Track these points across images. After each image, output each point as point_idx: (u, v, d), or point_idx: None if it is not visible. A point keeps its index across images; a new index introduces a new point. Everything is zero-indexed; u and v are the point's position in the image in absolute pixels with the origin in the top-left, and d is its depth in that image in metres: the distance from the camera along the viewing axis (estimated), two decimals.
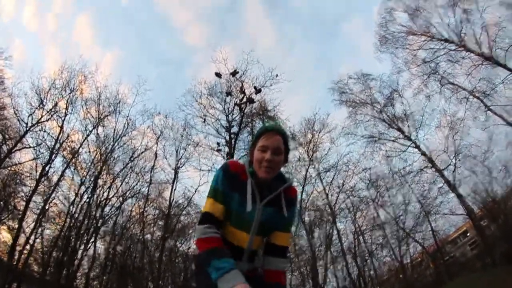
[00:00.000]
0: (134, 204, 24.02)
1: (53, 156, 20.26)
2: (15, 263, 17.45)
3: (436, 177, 21.85)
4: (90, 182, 21.35)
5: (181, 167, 24.53)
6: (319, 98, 51.07)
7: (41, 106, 20.54)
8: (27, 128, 19.70)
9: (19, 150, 19.71)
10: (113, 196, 22.48)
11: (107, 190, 22.32)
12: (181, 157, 24.82)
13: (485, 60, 19.36)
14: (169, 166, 24.68)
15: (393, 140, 24.20)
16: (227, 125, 23.41)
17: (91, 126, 22.48)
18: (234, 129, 23.29)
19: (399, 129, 23.94)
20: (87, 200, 20.95)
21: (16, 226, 18.40)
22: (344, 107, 25.84)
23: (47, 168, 19.89)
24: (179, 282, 23.43)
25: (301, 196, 24.32)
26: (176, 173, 24.11)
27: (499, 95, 19.29)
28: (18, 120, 19.84)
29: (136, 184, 23.71)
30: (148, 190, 23.95)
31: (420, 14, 21.77)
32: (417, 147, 22.89)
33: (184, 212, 24.80)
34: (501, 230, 18.50)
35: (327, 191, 25.03)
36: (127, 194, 23.14)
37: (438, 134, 23.62)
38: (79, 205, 20.81)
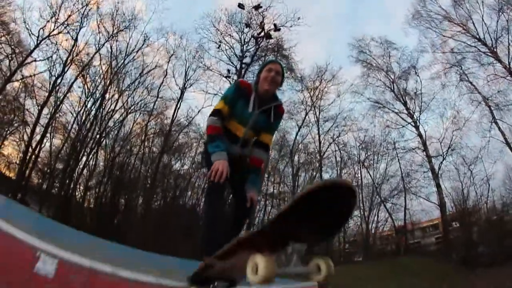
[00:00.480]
0: (137, 118, 24.65)
1: (65, 68, 20.55)
2: (20, 175, 18.60)
3: (424, 162, 23.04)
4: (99, 94, 21.92)
5: (189, 87, 24.90)
6: (335, 52, 49.09)
7: (53, 19, 20.26)
8: (38, 42, 19.60)
9: (29, 63, 19.78)
10: (119, 108, 23.09)
11: (114, 103, 22.81)
12: (190, 78, 25.04)
13: (509, 75, 19.36)
14: (176, 85, 25.00)
15: (396, 113, 24.80)
16: (241, 54, 23.61)
17: (104, 40, 22.30)
18: (247, 60, 23.60)
19: (405, 104, 24.41)
20: (94, 112, 21.60)
21: (24, 138, 19.35)
22: (359, 66, 26.00)
23: (58, 80, 20.34)
24: (168, 197, 24.57)
25: (296, 136, 25.42)
26: (182, 93, 24.56)
27: (510, 113, 19.58)
28: (29, 33, 19.65)
29: (142, 100, 24.24)
30: (153, 105, 24.51)
31: (463, 4, 20.99)
32: (416, 127, 23.65)
33: (184, 130, 25.44)
34: (465, 236, 20.28)
35: (321, 139, 25.81)
36: (132, 108, 23.72)
37: (439, 123, 24.48)
38: (85, 117, 21.55)
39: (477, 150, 21.35)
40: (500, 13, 19.46)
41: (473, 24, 20.66)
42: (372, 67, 25.31)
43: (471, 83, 21.13)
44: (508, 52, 19.34)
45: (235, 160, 3.14)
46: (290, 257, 1.61)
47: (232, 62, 23.67)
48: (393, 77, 24.84)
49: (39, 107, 19.59)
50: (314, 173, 25.69)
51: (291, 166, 25.35)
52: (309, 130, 26.10)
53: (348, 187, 1.52)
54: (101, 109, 21.76)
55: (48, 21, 20.02)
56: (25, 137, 19.84)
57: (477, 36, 20.49)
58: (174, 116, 24.17)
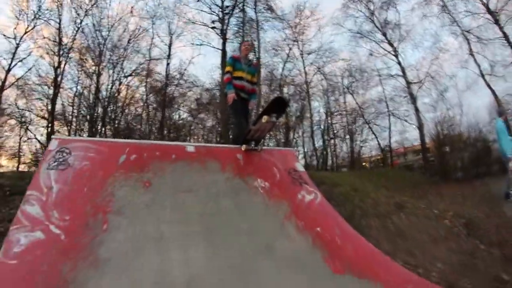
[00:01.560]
0: (133, 82, 26.20)
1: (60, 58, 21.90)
2: None
3: (404, 87, 25.75)
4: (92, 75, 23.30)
5: (176, 41, 26.62)
6: None
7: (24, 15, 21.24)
8: (18, 42, 21.01)
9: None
10: (115, 80, 24.50)
11: (110, 75, 24.19)
12: (174, 32, 26.45)
13: (487, 13, 21.10)
14: (163, 43, 26.46)
15: (376, 42, 27.12)
16: (221, 3, 24.84)
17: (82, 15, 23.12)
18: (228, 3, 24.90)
19: (384, 34, 26.51)
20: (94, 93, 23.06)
21: None
22: None
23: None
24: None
25: (282, 71, 27.67)
26: (170, 48, 26.12)
27: (488, 49, 21.53)
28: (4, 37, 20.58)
29: (134, 66, 25.56)
30: (148, 65, 26.15)
31: None
32: (396, 55, 26.02)
33: (180, 82, 27.11)
34: (440, 155, 23.91)
35: (306, 71, 28.21)
36: (126, 73, 25.14)
37: (418, 52, 27.07)
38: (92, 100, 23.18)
39: (454, 79, 24.19)
40: None
41: None
42: None
43: (451, 15, 23.03)
44: None
45: (244, 86, 6.26)
46: (271, 117, 4.72)
47: (213, 12, 25.05)
48: (373, 8, 26.72)
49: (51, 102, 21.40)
50: (304, 102, 28.19)
51: None
52: (294, 64, 28.17)
53: (283, 98, 5.19)
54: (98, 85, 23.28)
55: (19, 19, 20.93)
56: None
57: None
58: (167, 71, 25.93)
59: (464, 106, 24.01)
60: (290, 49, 27.83)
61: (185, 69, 26.72)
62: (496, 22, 20.94)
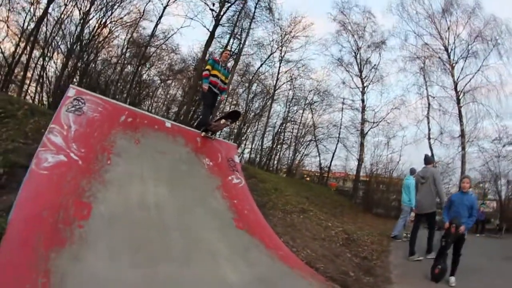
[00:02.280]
0: (118, 31, 25.72)
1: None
2: None
3: (359, 122, 28.40)
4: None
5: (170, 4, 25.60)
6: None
7: None
8: None
9: None
10: (102, 23, 23.90)
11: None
12: None
13: (453, 90, 24.43)
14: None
15: (351, 74, 29.45)
16: None
17: None
18: None
19: (361, 72, 28.98)
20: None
21: None
22: (335, 24, 30.13)
23: None
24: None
25: (258, 68, 29.43)
26: (164, 10, 25.26)
27: (444, 118, 25.05)
28: None
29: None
30: (139, 20, 25.64)
31: (450, 15, 24.91)
32: (363, 93, 28.69)
33: (158, 44, 27.21)
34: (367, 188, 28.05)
35: (279, 77, 30.07)
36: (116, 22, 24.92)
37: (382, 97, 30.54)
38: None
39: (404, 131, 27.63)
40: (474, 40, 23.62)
41: (447, 34, 24.73)
42: (346, 29, 29.04)
43: (424, 78, 26.04)
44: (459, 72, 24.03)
45: (218, 83, 7.94)
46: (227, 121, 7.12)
47: None
48: (361, 45, 28.94)
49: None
50: (267, 103, 30.11)
51: (247, 93, 29.37)
52: (270, 66, 29.94)
53: (238, 112, 7.65)
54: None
55: None
56: None
57: (446, 46, 24.71)
58: (154, 31, 25.97)
59: (403, 156, 27.16)
60: (272, 53, 29.44)
61: (171, 35, 26.96)
62: (458, 101, 23.84)
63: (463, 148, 23.36)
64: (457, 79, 24.16)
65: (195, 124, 9.11)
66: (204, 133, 7.44)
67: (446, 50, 24.87)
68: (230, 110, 7.75)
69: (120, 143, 5.44)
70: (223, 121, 7.37)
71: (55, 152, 4.43)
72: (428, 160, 8.95)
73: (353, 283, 5.99)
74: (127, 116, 5.97)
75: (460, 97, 23.93)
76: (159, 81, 29.44)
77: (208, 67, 8.10)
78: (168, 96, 30.41)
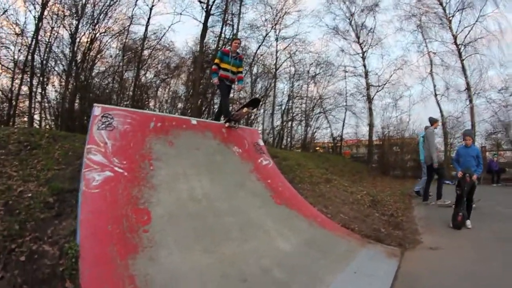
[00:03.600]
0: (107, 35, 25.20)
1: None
2: None
3: (364, 88, 28.69)
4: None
5: (156, 4, 25.67)
6: None
7: None
8: None
9: None
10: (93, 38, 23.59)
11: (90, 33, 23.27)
12: None
13: (454, 44, 24.24)
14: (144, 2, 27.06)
15: (348, 42, 29.44)
16: None
17: None
18: None
19: (358, 37, 28.95)
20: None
21: None
22: None
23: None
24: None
25: (256, 51, 29.25)
26: (150, 11, 25.36)
27: (447, 73, 25.01)
28: None
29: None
30: (129, 26, 25.37)
31: None
32: (363, 58, 28.71)
33: (152, 46, 27.11)
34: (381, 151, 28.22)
35: (278, 55, 30.08)
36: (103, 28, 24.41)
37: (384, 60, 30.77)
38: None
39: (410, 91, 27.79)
40: None
41: None
42: None
43: (423, 35, 25.88)
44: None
45: (229, 76, 8.37)
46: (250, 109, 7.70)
47: None
48: (354, 10, 28.77)
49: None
50: (272, 83, 30.14)
51: (250, 76, 29.15)
52: (268, 47, 29.89)
53: (258, 99, 8.33)
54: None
55: None
56: None
57: (440, 0, 24.51)
58: (145, 34, 25.88)
59: (412, 115, 27.49)
60: (268, 33, 29.46)
61: (163, 35, 27.01)
62: (459, 54, 23.80)
63: (471, 101, 23.40)
64: (456, 32, 24.02)
65: (214, 116, 9.57)
66: (228, 123, 7.94)
67: (441, 4, 24.66)
68: (251, 98, 8.01)
69: (156, 148, 5.83)
70: (245, 109, 7.82)
71: (99, 170, 4.67)
72: (430, 121, 10.85)
73: (385, 237, 6.67)
74: (155, 122, 6.34)
75: (461, 50, 23.83)
76: (158, 81, 29.33)
77: (216, 61, 8.41)
78: (170, 93, 30.32)
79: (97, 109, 5.60)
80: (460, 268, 5.02)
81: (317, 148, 32.40)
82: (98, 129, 5.32)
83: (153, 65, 28.32)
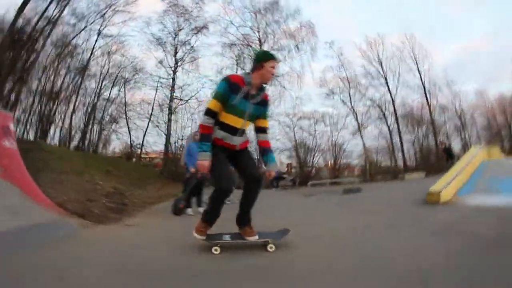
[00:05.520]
0: None
1: None
2: None
3: None
4: None
5: None
6: None
7: None
8: None
9: None
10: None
11: None
12: None
13: None
14: None
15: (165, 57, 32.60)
16: None
17: None
18: None
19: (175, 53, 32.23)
20: None
21: None
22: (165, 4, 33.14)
23: None
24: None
25: (71, 40, 29.56)
26: None
27: None
28: None
29: None
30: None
31: None
32: (173, 79, 32.67)
33: None
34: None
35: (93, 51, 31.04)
36: None
37: None
38: None
39: None
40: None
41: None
42: (174, 10, 33.89)
43: (238, 65, 33.28)
44: None
45: (235, 146, 4.06)
46: None
47: None
48: (183, 26, 33.14)
49: None
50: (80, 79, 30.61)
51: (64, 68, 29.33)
52: (88, 39, 30.80)
53: None
54: None
55: None
56: None
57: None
58: None
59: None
60: (90, 23, 30.34)
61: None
62: None
63: None
64: None
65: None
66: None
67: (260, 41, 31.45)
68: None
69: None
70: None
71: None
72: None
73: (93, 216, 7.31)
74: None
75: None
76: None
77: (211, 105, 3.90)
78: None
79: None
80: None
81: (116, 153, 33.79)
82: None
83: None
